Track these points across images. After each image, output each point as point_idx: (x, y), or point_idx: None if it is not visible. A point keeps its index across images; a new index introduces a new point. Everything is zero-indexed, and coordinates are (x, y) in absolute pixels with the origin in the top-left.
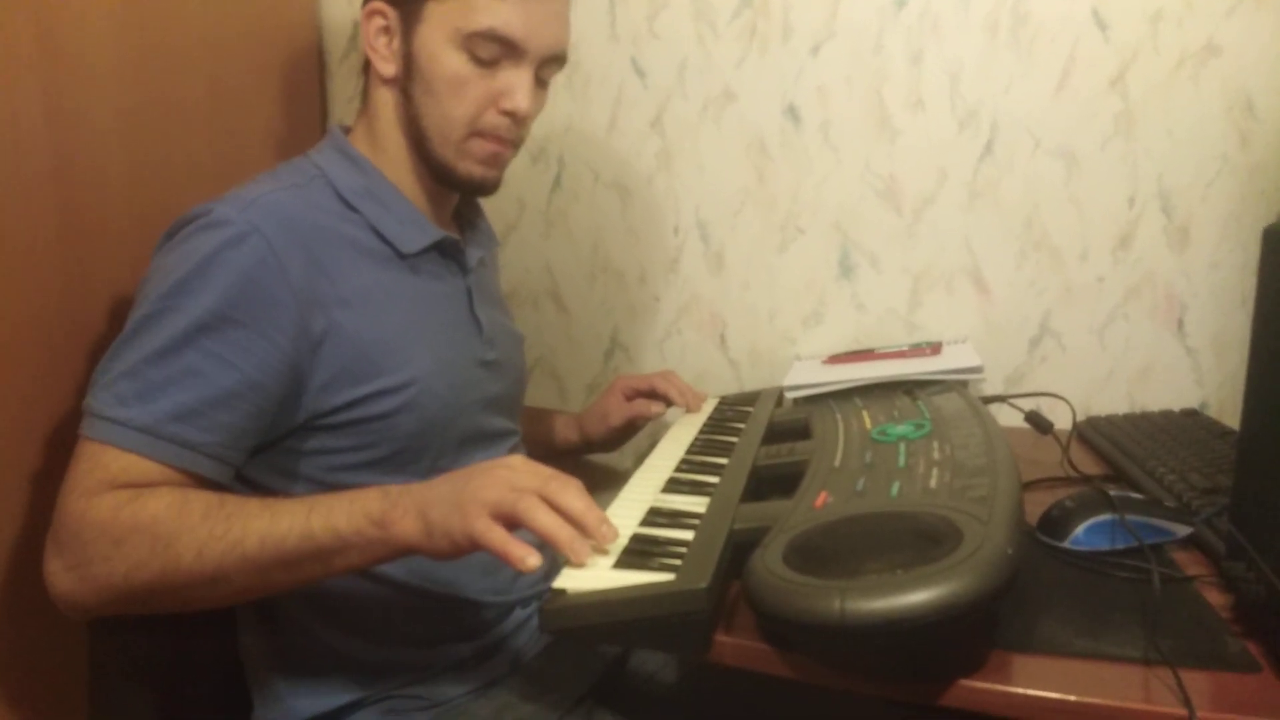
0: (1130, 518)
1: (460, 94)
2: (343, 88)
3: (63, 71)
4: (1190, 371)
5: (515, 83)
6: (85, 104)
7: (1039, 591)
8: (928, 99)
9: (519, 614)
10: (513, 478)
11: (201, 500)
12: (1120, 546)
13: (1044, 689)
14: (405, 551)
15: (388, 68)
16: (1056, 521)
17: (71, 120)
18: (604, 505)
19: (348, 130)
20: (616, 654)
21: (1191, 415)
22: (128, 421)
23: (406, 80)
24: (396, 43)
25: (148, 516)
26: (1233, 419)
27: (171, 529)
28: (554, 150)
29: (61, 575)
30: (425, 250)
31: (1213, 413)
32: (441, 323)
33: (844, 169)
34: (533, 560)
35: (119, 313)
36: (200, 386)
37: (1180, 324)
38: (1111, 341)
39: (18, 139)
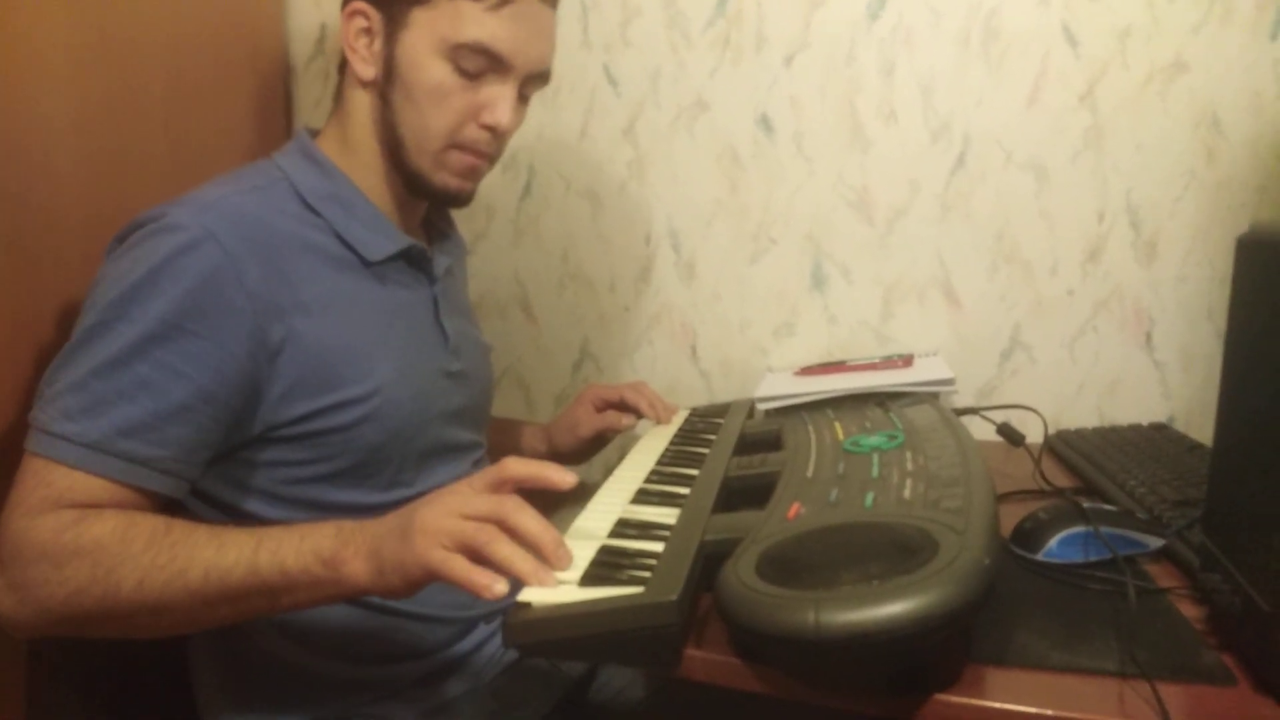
0: (1104, 530)
1: (442, 104)
2: (308, 92)
3: (13, 60)
4: (1158, 385)
5: (498, 97)
6: (36, 95)
7: (1013, 604)
8: (900, 111)
9: (482, 630)
10: (463, 504)
11: (148, 526)
12: (1093, 559)
13: (1020, 703)
14: (356, 594)
15: (367, 70)
16: (1029, 534)
17: (21, 111)
18: (571, 517)
19: (316, 134)
20: (582, 670)
21: (1160, 429)
22: (74, 437)
23: (386, 85)
24: (378, 45)
25: (90, 541)
26: (1200, 432)
27: (113, 555)
28: (524, 158)
29: (2, 594)
30: (391, 258)
31: (1180, 426)
32: (406, 332)
33: (816, 180)
34: (500, 587)
35: (68, 316)
36: (151, 399)
37: (1149, 338)
38: (1081, 355)
39: None
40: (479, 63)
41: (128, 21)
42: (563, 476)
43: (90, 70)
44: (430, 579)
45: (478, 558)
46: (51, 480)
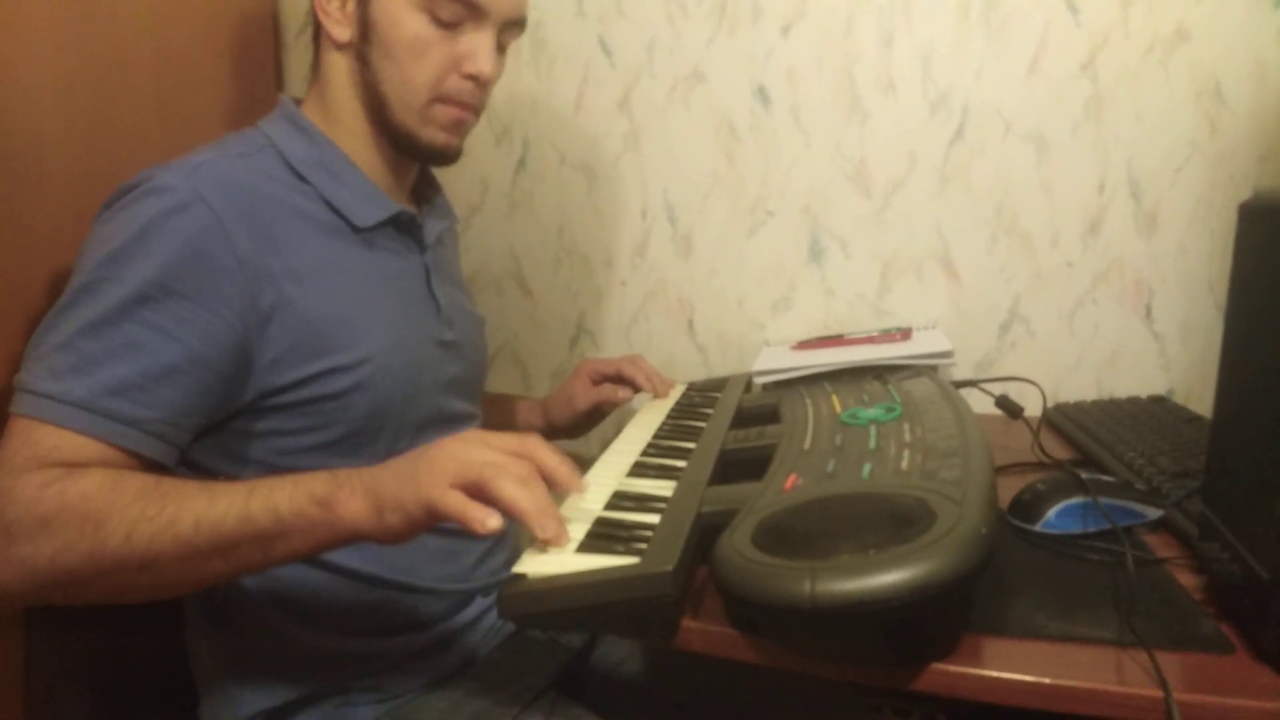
0: (1102, 500)
1: (422, 57)
2: (299, 63)
3: None
4: (1157, 358)
5: (478, 46)
6: (24, 63)
7: (1011, 574)
8: (899, 82)
9: (479, 603)
10: (470, 449)
11: (136, 480)
12: (1092, 529)
13: (1018, 672)
14: (352, 536)
15: (342, 32)
16: (1028, 505)
17: (9, 80)
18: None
19: (299, 103)
20: (580, 644)
21: (1159, 401)
22: (61, 396)
23: (363, 45)
24: (351, 6)
25: (76, 494)
26: (1199, 405)
27: (101, 508)
28: (519, 130)
29: None
30: (380, 224)
31: (1179, 399)
32: (397, 300)
33: (814, 152)
34: (493, 521)
35: (57, 284)
36: (140, 359)
37: (1148, 310)
38: (1080, 327)
39: None
40: (455, 11)
41: None
42: (578, 482)
43: (77, 38)
44: (429, 517)
45: (481, 495)
46: (37, 439)
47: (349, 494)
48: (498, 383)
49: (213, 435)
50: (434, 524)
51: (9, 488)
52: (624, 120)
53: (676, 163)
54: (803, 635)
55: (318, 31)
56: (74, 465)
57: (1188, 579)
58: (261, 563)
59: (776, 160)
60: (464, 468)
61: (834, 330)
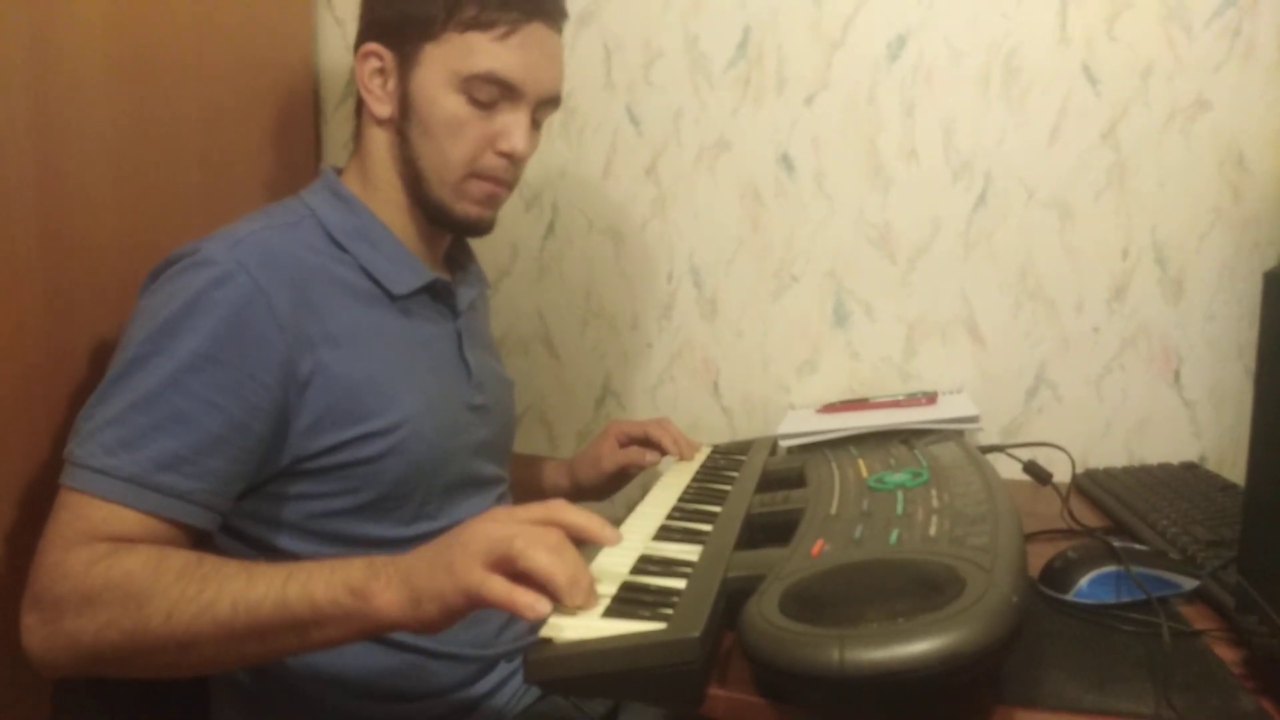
0: (1136, 570)
1: (458, 135)
2: (338, 132)
3: (53, 83)
4: (1188, 424)
5: (513, 124)
6: (74, 118)
7: (1043, 645)
8: (921, 150)
9: (500, 671)
10: (498, 527)
11: (179, 558)
12: (1125, 599)
13: None
14: (387, 627)
15: (383, 109)
16: (1059, 573)
17: (59, 134)
18: (594, 554)
19: (340, 172)
20: (604, 710)
21: (1191, 468)
22: (113, 471)
23: (402, 121)
24: (392, 84)
25: (121, 573)
26: (1232, 472)
27: (144, 588)
28: (548, 196)
29: (35, 630)
30: (416, 292)
31: (1211, 466)
32: (430, 365)
33: (838, 218)
34: (542, 606)
35: (102, 351)
36: (188, 432)
37: (1177, 376)
38: (1108, 393)
39: (1, 149)
40: (491, 92)
41: (161, 51)
42: (612, 534)
43: (125, 96)
44: (470, 605)
45: (516, 570)
46: (88, 514)
47: (384, 585)
48: (524, 443)
49: (249, 499)
50: (474, 610)
51: (58, 562)
52: (651, 187)
53: (702, 228)
54: (831, 704)
55: (360, 105)
56: (122, 539)
57: (1226, 652)
58: (298, 648)
59: (801, 225)
60: (494, 543)
61: (859, 394)
